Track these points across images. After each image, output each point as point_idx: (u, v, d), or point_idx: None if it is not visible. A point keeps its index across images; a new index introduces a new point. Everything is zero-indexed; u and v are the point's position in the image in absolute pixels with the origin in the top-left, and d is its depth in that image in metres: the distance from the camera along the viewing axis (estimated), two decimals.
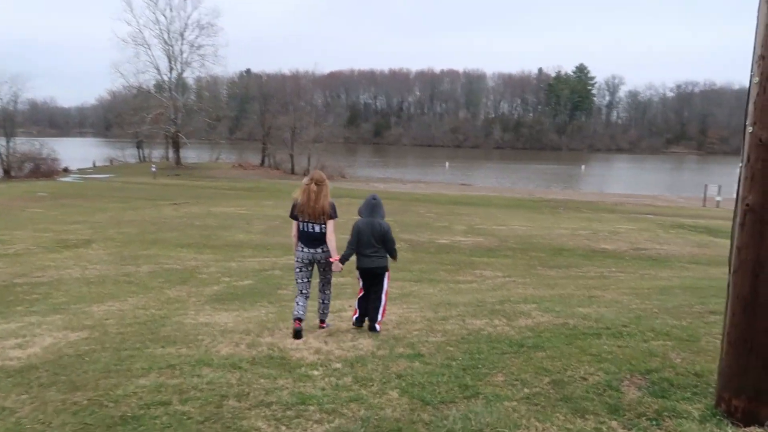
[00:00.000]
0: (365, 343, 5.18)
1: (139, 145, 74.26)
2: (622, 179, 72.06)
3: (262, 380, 4.18)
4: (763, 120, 3.36)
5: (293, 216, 5.86)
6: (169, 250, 16.00)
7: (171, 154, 68.79)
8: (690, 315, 6.04)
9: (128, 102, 68.93)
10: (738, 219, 3.51)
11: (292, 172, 60.41)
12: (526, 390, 3.95)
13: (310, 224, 5.74)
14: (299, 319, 5.71)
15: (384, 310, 5.96)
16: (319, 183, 5.75)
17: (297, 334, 5.59)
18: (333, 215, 5.78)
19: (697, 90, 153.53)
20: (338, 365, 4.58)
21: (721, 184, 42.96)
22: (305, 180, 5.86)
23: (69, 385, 4.24)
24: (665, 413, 3.55)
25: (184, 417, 3.64)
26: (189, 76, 70.04)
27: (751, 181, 3.43)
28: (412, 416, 3.56)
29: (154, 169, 54.61)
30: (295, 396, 3.91)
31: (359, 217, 6.02)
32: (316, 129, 59.98)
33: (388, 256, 5.99)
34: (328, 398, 3.87)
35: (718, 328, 5.50)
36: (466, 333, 5.40)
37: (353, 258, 5.93)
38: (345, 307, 7.99)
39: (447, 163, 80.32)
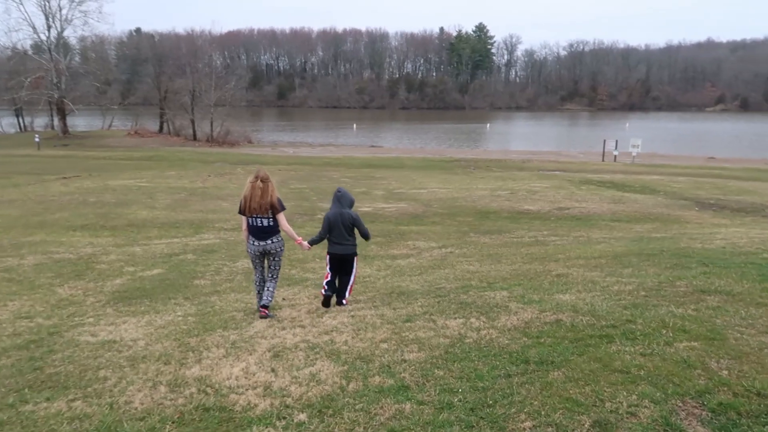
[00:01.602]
0: (325, 368, 4.04)
1: (18, 113, 66.78)
2: (524, 136, 74.00)
3: None
4: None
5: (242, 212, 6.27)
6: (60, 234, 13.94)
7: (56, 122, 62.39)
8: (685, 298, 5.42)
9: (2, 65, 61.48)
10: None
11: (194, 138, 56.69)
12: None
13: (258, 218, 6.18)
14: (266, 307, 6.19)
15: (351, 287, 6.55)
16: (264, 180, 6.17)
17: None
18: (281, 208, 6.25)
19: (587, 49, 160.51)
20: (302, 417, 3.39)
21: (616, 138, 44.90)
22: (250, 178, 6.26)
23: None
24: None
25: None
26: (71, 36, 63.40)
27: None
28: None
29: (37, 140, 49.21)
30: None
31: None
32: (217, 92, 56.21)
33: (355, 243, 6.60)
34: None
35: (733, 317, 4.87)
36: (447, 343, 4.42)
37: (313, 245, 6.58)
38: (279, 301, 6.87)
39: (354, 125, 78.97)
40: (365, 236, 6.64)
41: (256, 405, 3.60)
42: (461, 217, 16.56)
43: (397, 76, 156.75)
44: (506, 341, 4.40)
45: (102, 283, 8.87)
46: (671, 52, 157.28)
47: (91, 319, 6.40)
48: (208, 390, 3.84)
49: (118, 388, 3.94)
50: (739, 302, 5.17)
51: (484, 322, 4.95)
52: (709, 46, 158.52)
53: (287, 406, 3.58)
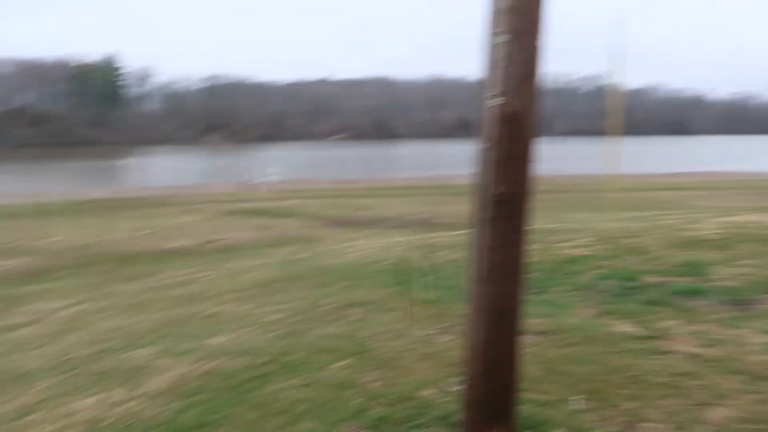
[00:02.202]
0: None
1: None
2: (167, 171, 71.72)
3: None
4: (510, 88, 2.78)
5: None
6: None
7: None
8: (331, 315, 5.58)
9: None
10: (484, 213, 2.93)
11: None
12: None
13: None
14: None
15: None
16: None
17: None
18: None
19: (225, 82, 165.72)
20: None
21: (256, 168, 47.41)
22: None
23: None
24: None
25: None
26: None
27: (498, 167, 2.87)
28: None
29: None
30: None
31: None
32: None
33: None
34: None
35: (371, 328, 5.16)
36: None
37: None
38: None
39: None
40: None
41: None
42: (99, 266, 14.78)
43: (10, 109, 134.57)
44: (155, 411, 3.72)
45: None
46: (298, 87, 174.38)
47: None
48: None
49: None
50: (376, 311, 5.61)
51: (127, 392, 4.14)
52: (327, 83, 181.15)
53: None
